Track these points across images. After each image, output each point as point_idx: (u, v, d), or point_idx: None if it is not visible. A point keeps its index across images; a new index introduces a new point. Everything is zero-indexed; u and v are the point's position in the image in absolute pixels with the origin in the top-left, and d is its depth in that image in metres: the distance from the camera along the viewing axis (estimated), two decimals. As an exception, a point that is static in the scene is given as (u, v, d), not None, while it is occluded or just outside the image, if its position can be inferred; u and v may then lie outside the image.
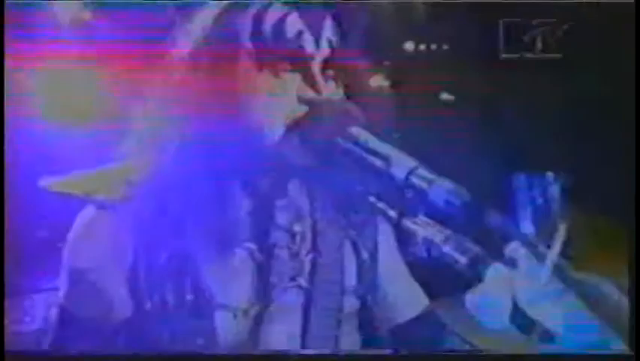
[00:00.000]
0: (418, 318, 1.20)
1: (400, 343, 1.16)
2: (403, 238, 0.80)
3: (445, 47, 3.20)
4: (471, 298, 0.70)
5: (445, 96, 3.14)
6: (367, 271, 1.12)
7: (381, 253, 1.16)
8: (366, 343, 1.12)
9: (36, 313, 2.65)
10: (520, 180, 0.81)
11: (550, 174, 0.94)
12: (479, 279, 0.70)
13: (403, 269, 1.24)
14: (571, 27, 2.40)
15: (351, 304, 1.09)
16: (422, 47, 3.19)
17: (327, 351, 1.04)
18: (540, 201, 0.77)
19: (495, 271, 0.70)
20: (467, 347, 1.15)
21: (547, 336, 0.64)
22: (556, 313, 0.64)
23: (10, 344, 1.10)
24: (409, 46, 3.19)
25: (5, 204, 1.37)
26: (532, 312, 0.66)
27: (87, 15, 2.65)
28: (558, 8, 2.35)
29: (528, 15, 2.40)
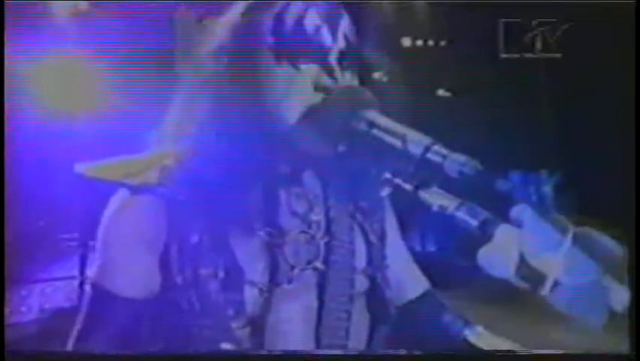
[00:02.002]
0: (420, 298, 1.29)
1: (405, 321, 1.22)
2: (420, 208, 0.86)
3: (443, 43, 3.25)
4: (482, 253, 0.77)
5: (441, 92, 3.19)
6: (375, 254, 1.19)
7: (387, 238, 1.23)
8: (374, 320, 1.18)
9: (32, 303, 2.67)
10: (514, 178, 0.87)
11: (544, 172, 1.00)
12: (489, 238, 0.76)
13: (406, 254, 1.31)
14: (571, 27, 2.44)
15: (361, 283, 1.15)
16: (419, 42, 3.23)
17: (337, 352, 1.10)
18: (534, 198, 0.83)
19: (504, 230, 0.77)
20: (464, 323, 1.22)
21: (552, 283, 0.72)
22: (559, 264, 0.73)
23: (9, 343, 1.12)
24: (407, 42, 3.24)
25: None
26: (537, 264, 0.74)
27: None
28: (558, 8, 2.40)
29: (528, 15, 2.44)
